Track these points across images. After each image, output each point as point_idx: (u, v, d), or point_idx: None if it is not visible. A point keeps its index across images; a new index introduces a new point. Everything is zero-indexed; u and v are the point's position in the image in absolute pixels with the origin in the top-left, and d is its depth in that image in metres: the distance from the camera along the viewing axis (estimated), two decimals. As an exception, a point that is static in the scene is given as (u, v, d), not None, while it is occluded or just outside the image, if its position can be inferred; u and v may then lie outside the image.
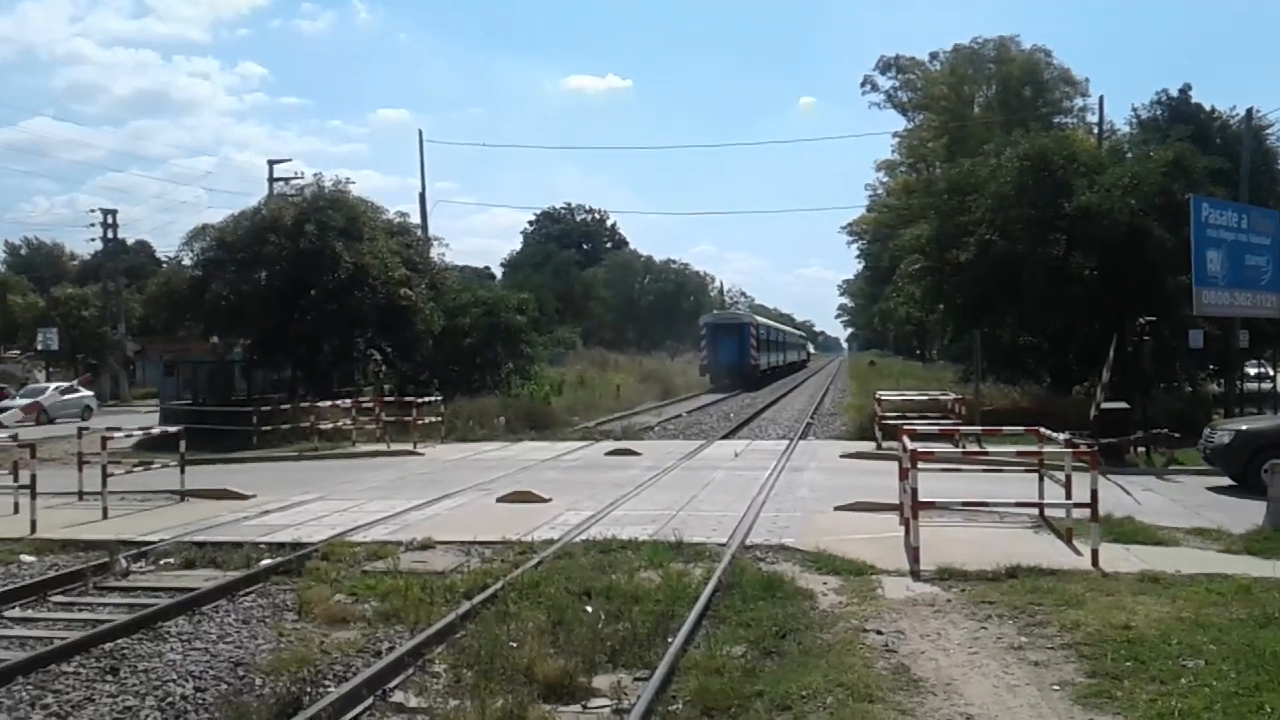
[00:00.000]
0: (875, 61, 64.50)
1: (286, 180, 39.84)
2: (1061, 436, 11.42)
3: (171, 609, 8.19)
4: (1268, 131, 38.23)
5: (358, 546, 10.56)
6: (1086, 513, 9.46)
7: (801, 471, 16.97)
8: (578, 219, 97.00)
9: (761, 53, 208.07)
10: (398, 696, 6.16)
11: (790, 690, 5.92)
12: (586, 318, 74.40)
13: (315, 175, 29.77)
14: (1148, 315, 19.82)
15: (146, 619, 7.88)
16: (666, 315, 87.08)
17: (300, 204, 27.77)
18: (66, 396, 37.91)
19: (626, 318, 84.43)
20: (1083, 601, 7.84)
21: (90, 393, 41.05)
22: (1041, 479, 11.72)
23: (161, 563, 10.36)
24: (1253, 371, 29.23)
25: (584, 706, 5.96)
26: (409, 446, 21.25)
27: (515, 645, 6.67)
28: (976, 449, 16.86)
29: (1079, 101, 57.95)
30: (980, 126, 52.08)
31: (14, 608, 8.56)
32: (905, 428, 11.69)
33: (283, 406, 24.12)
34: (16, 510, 12.58)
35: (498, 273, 76.24)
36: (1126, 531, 10.64)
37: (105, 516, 12.66)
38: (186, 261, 27.84)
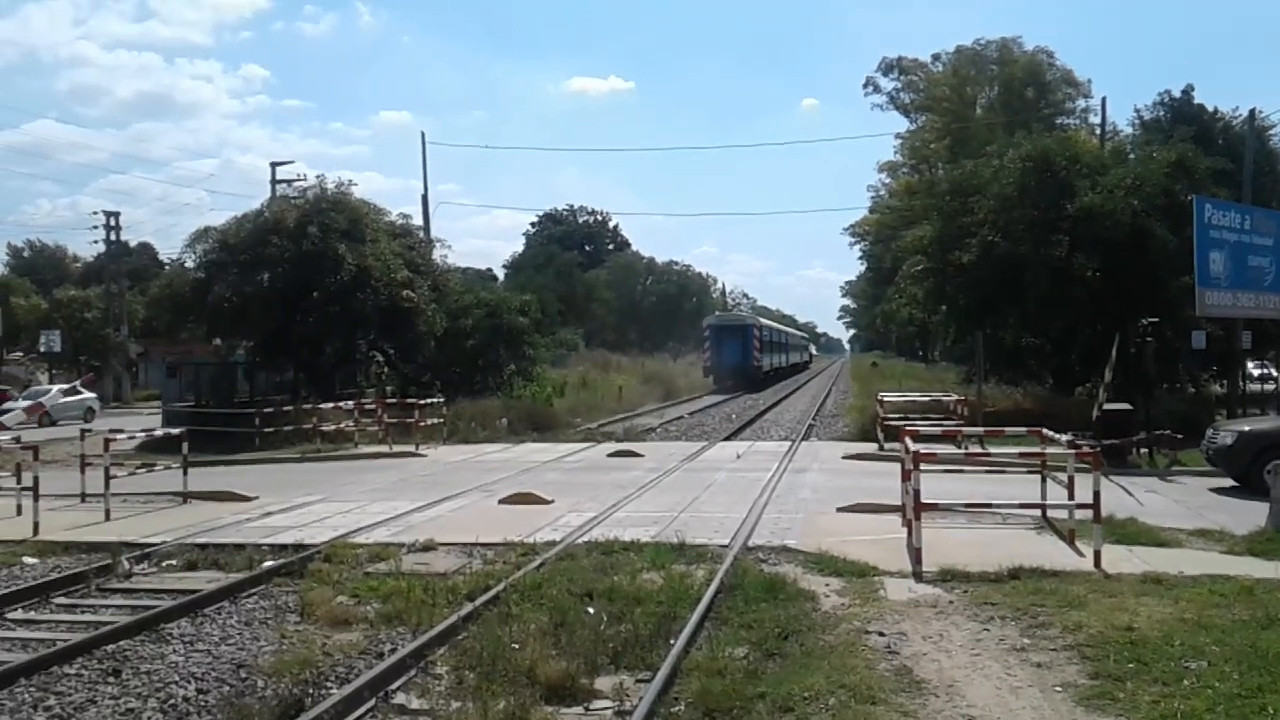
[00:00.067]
0: (877, 63, 64.94)
1: (289, 182, 39.88)
2: (1064, 438, 11.38)
3: (174, 611, 8.21)
4: (1270, 132, 38.21)
5: (360, 548, 10.56)
6: (1089, 514, 9.45)
7: (804, 473, 16.95)
8: (580, 220, 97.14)
9: (763, 54, 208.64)
10: (400, 698, 6.16)
11: (792, 692, 5.92)
12: (589, 319, 74.50)
13: (318, 177, 29.80)
14: (1150, 316, 19.79)
15: (149, 621, 7.89)
16: (668, 317, 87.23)
17: (303, 206, 27.79)
18: (69, 398, 37.97)
19: (629, 319, 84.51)
20: (1085, 603, 7.83)
21: (93, 394, 41.08)
22: (1044, 480, 11.70)
23: (164, 564, 10.37)
24: (1256, 372, 29.26)
25: (586, 708, 5.96)
26: (411, 448, 21.28)
27: (517, 647, 6.67)
28: (979, 450, 16.87)
29: (1081, 102, 58.10)
30: (983, 128, 52.12)
31: (16, 609, 8.58)
32: (907, 429, 11.66)
33: (285, 408, 24.09)
34: (19, 512, 12.64)
35: (500, 274, 76.58)
36: (1129, 533, 10.62)
37: (108, 518, 12.69)
38: (189, 263, 27.83)
